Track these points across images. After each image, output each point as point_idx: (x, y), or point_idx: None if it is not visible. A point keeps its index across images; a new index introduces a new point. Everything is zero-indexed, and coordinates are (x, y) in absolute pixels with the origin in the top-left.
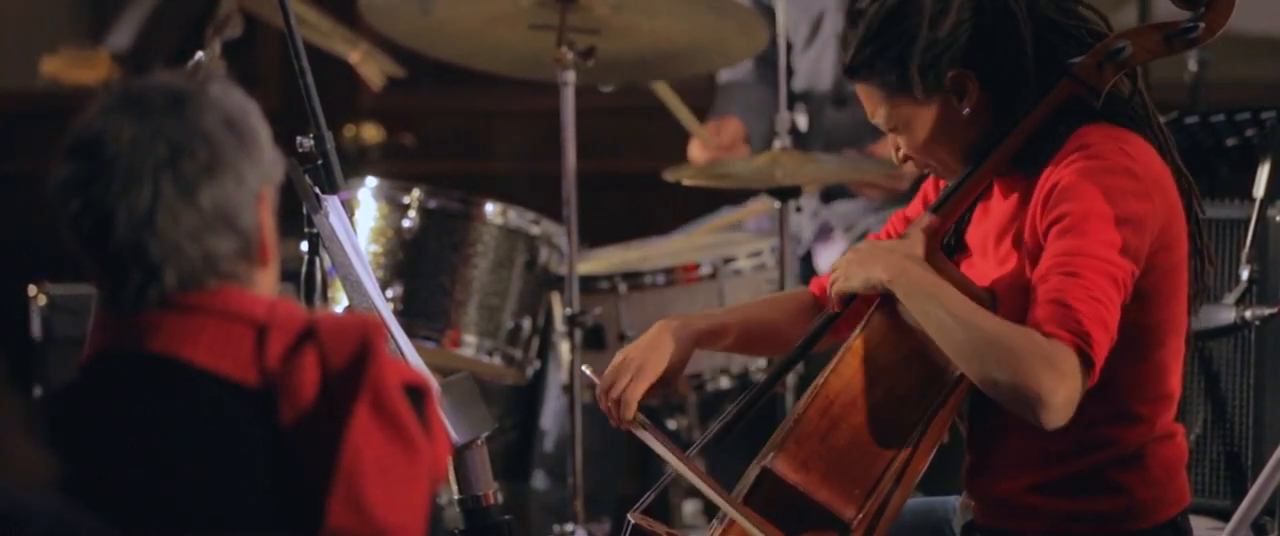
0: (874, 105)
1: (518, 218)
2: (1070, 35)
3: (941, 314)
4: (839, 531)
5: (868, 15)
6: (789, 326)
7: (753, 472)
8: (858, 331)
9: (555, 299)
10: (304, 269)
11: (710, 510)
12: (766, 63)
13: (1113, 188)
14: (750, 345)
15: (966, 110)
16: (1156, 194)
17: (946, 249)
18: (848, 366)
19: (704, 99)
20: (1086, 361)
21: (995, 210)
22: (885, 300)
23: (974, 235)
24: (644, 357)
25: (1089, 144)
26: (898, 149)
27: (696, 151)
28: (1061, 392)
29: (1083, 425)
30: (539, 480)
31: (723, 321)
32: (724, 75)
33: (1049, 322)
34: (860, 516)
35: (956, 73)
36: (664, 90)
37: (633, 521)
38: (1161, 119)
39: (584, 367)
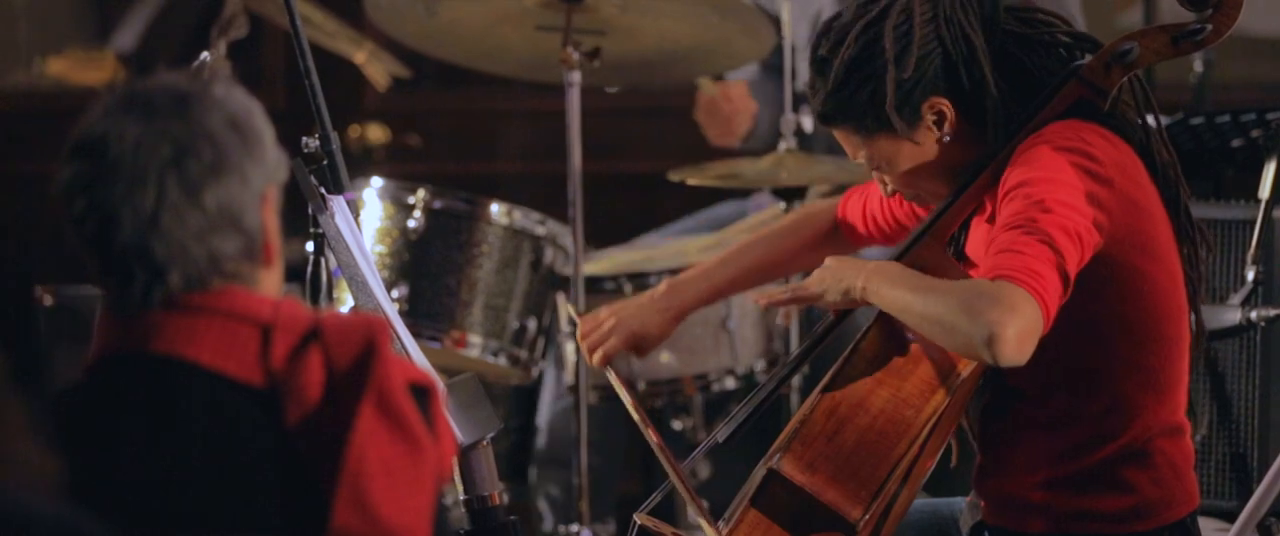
0: (854, 148)
1: (523, 218)
2: (1035, 43)
3: (904, 294)
4: (845, 532)
5: (833, 63)
6: (800, 257)
7: (759, 474)
8: (864, 333)
9: (561, 299)
10: (309, 269)
11: (716, 511)
12: (770, 63)
13: (1066, 161)
14: (754, 285)
15: (948, 137)
16: (1118, 179)
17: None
18: (854, 368)
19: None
20: (1039, 298)
21: (987, 218)
22: None
23: (972, 244)
24: (628, 316)
25: (1047, 131)
26: (885, 184)
27: (706, 90)
28: (1012, 326)
29: (1085, 420)
30: (541, 480)
31: (715, 286)
32: (729, 74)
33: (996, 270)
34: (866, 517)
35: (932, 102)
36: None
37: (638, 522)
38: (1163, 119)
39: (564, 302)
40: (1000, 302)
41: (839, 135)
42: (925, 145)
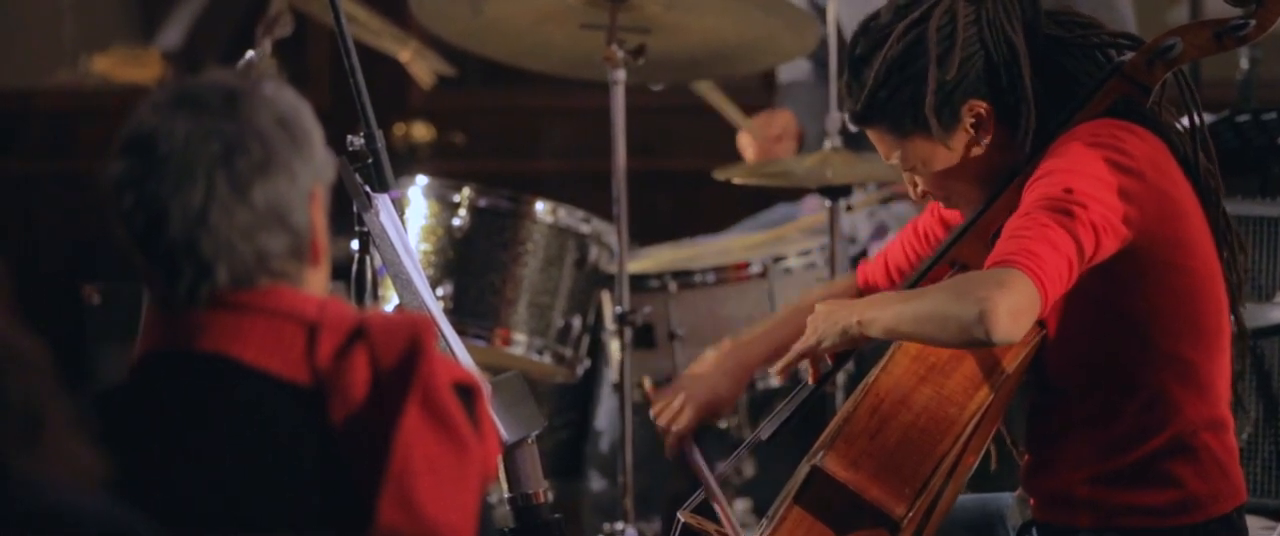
0: (888, 148)
1: (568, 216)
2: (1074, 47)
3: (896, 308)
4: (889, 529)
5: (873, 62)
6: None
7: (803, 471)
8: None
9: (605, 297)
10: (355, 267)
11: (760, 509)
12: (825, 63)
13: (1096, 155)
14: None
15: (985, 140)
16: (1150, 174)
17: None
18: (897, 365)
19: (756, 98)
20: (1033, 276)
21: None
22: None
23: None
24: (697, 389)
25: (1078, 130)
26: (915, 185)
27: (744, 142)
28: (1003, 302)
29: (1128, 415)
30: (593, 480)
31: (778, 343)
32: (784, 75)
33: (994, 257)
34: (910, 515)
35: (971, 105)
36: (707, 89)
37: (682, 520)
38: (1208, 116)
39: (645, 380)
40: (989, 282)
41: (873, 136)
42: (961, 148)
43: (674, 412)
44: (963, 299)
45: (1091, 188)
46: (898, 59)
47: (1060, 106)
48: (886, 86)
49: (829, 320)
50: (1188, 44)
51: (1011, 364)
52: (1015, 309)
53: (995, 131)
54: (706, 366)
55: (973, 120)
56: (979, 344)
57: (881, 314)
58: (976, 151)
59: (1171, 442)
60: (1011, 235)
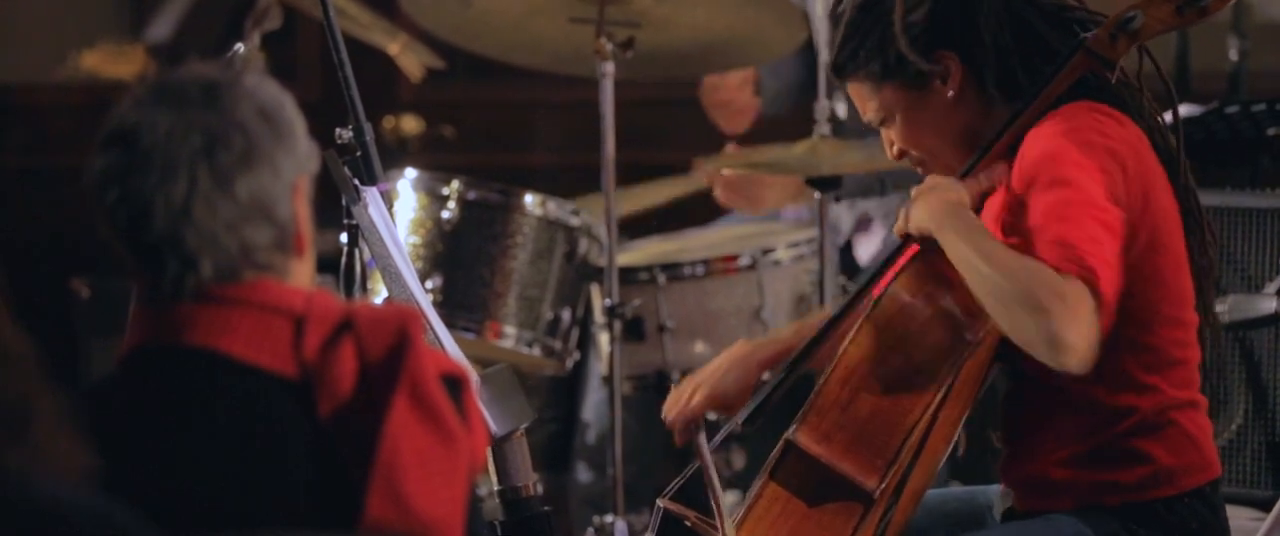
0: (863, 100)
1: (557, 209)
2: (1047, 9)
3: (973, 250)
4: (862, 502)
5: (844, 13)
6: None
7: (779, 446)
8: (876, 302)
9: (594, 290)
10: (343, 260)
11: None
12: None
13: (1087, 144)
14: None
15: (951, 93)
16: (1130, 161)
17: None
18: (866, 335)
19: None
20: (1097, 297)
21: (992, 197)
22: (902, 269)
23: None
24: (706, 379)
25: (1069, 121)
26: (891, 144)
27: (705, 96)
28: (1081, 334)
29: (1098, 400)
30: (581, 472)
31: (789, 344)
32: None
33: (1058, 262)
34: (883, 487)
35: (940, 55)
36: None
37: (661, 507)
38: (1197, 108)
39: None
40: (1068, 307)
41: (851, 90)
42: (932, 101)
43: (685, 399)
44: (1036, 310)
45: (1098, 187)
46: (867, 3)
47: (1031, 69)
48: (857, 33)
49: (917, 209)
50: (1150, 17)
51: (978, 333)
52: (1089, 340)
53: (965, 89)
54: (718, 361)
55: (942, 70)
56: (1033, 351)
57: (958, 245)
58: (946, 107)
59: (1139, 423)
60: (1062, 241)
